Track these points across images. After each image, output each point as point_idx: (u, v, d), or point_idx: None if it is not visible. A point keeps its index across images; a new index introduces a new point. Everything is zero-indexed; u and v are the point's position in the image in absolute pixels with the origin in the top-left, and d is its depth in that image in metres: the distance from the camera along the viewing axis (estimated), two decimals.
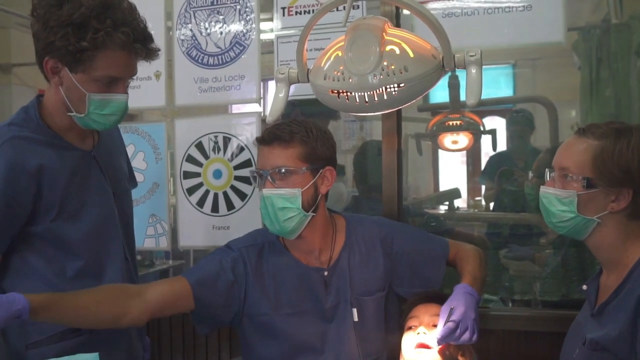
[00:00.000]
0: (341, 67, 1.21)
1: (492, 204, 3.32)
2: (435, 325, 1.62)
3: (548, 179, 1.54)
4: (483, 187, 3.55)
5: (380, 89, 1.19)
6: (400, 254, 1.80)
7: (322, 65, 1.25)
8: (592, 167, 1.43)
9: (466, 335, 1.54)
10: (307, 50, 1.34)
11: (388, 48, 1.19)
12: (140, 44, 1.54)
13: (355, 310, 1.74)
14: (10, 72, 4.26)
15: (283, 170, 1.64)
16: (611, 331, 1.40)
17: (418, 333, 1.62)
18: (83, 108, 1.55)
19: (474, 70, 1.21)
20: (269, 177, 1.65)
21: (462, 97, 2.47)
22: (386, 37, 1.19)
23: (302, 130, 1.66)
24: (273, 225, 1.68)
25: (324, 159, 1.70)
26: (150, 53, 1.58)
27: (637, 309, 1.36)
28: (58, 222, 1.59)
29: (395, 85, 1.19)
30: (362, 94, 1.20)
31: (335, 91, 1.23)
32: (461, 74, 1.53)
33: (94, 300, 1.55)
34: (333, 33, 2.11)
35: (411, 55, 1.19)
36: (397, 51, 1.19)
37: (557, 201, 1.47)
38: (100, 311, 1.56)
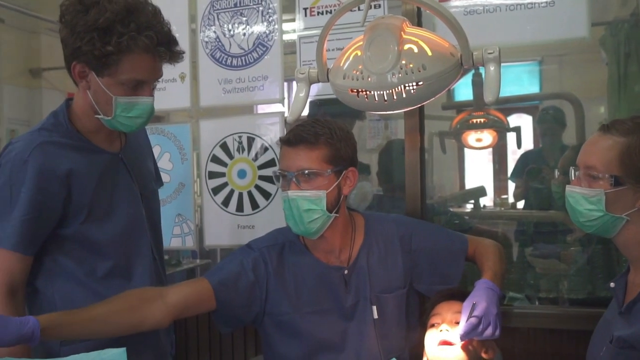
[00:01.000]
0: (360, 66, 1.22)
1: (522, 202, 3.30)
2: (457, 323, 1.63)
3: (573, 177, 1.52)
4: (512, 185, 3.53)
5: (399, 88, 1.19)
6: (419, 251, 1.81)
7: (341, 64, 1.26)
8: (619, 164, 1.41)
9: (489, 331, 1.54)
10: (327, 51, 1.35)
11: (406, 47, 1.19)
12: (164, 47, 1.56)
13: (374, 308, 1.75)
14: (40, 76, 4.34)
15: (307, 172, 1.65)
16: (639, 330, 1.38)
17: (441, 330, 1.62)
18: (110, 111, 1.58)
19: (492, 68, 1.21)
20: (294, 179, 1.66)
21: None
22: (404, 36, 1.20)
23: (326, 131, 1.67)
24: (297, 227, 1.69)
25: (348, 159, 1.71)
26: (174, 56, 1.61)
27: None
28: (87, 225, 1.63)
29: (414, 83, 1.20)
30: (381, 92, 1.20)
31: (355, 90, 1.24)
32: None
33: (110, 310, 1.55)
34: (354, 33, 2.12)
35: (429, 53, 1.19)
36: (415, 50, 1.19)
37: (585, 200, 1.45)
38: (118, 320, 1.56)
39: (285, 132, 1.65)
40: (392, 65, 1.19)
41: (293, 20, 2.33)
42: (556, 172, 2.73)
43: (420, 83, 1.20)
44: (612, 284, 1.54)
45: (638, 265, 1.49)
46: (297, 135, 1.66)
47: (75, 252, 1.64)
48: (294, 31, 2.33)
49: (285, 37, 2.35)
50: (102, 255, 1.66)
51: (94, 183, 1.63)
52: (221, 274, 1.75)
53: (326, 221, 1.68)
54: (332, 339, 1.75)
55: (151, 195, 1.84)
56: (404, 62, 1.19)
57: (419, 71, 1.19)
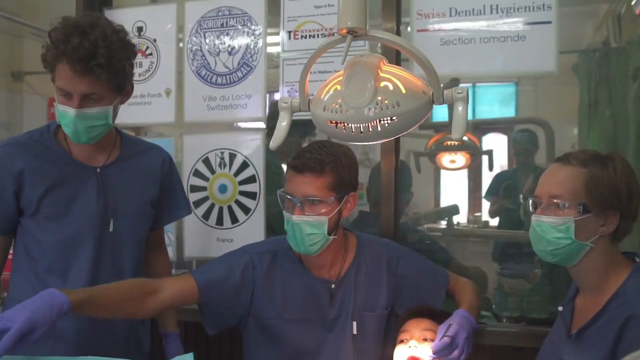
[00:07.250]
0: (339, 100, 1.28)
1: (496, 220, 3.39)
2: (426, 339, 1.70)
3: (532, 209, 1.58)
4: (487, 204, 3.61)
5: (375, 122, 1.27)
6: (404, 276, 1.89)
7: (322, 96, 1.33)
8: (585, 192, 1.48)
9: (455, 353, 1.62)
10: (309, 82, 1.42)
11: (382, 84, 1.26)
12: (82, 61, 1.60)
13: (355, 324, 1.83)
14: (22, 80, 4.32)
15: (312, 199, 1.73)
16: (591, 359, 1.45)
17: (409, 347, 1.68)
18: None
19: (460, 108, 1.28)
20: (298, 204, 1.74)
21: None
22: (381, 74, 1.27)
23: (332, 159, 1.74)
24: (298, 247, 1.78)
25: (350, 185, 1.80)
26: (89, 69, 1.61)
27: (617, 339, 1.42)
28: (36, 220, 1.76)
29: (389, 118, 1.27)
30: (358, 125, 1.28)
31: (333, 122, 1.31)
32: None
33: (121, 297, 1.65)
34: (337, 57, 2.18)
35: (403, 91, 1.26)
36: (391, 87, 1.26)
37: (553, 229, 1.51)
38: (123, 309, 1.66)
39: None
40: (369, 101, 1.26)
41: (277, 34, 2.41)
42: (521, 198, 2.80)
43: (394, 118, 1.27)
44: (560, 308, 1.62)
45: (589, 291, 1.55)
46: (304, 163, 1.74)
47: (27, 242, 1.78)
48: (278, 44, 2.40)
49: (269, 49, 2.43)
50: (43, 252, 1.77)
51: (46, 185, 1.74)
52: (209, 274, 1.83)
53: (325, 243, 1.76)
54: (311, 348, 1.83)
55: (126, 216, 1.85)
56: (379, 98, 1.26)
57: (394, 107, 1.26)
